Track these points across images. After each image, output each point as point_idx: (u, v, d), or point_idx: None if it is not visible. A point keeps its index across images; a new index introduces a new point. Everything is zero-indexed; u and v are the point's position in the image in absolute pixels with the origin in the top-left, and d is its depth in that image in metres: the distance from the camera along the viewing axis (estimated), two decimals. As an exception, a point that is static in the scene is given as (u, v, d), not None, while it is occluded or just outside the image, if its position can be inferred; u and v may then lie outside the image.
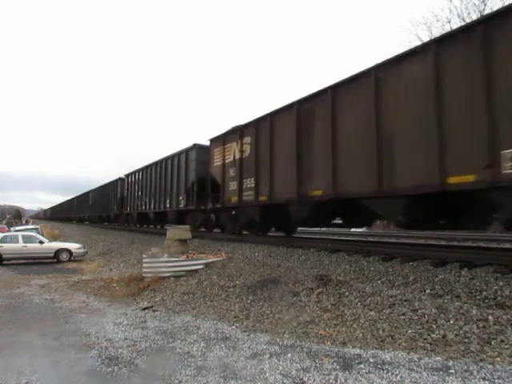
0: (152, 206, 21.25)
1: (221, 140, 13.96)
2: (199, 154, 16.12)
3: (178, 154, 18.17)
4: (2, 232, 22.69)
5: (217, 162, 14.21)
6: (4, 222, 66.00)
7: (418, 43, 14.01)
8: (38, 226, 31.91)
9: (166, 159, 19.73)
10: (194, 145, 16.51)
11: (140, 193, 23.62)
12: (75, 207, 52.65)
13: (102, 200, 34.57)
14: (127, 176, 27.01)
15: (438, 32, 21.20)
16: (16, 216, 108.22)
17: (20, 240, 17.19)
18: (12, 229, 28.93)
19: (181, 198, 17.35)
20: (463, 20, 21.53)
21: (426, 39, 19.14)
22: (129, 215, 27.29)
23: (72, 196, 60.21)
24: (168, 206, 18.87)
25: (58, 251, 17.39)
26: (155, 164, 21.15)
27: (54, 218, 75.35)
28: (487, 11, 20.84)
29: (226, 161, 13.42)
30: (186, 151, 17.27)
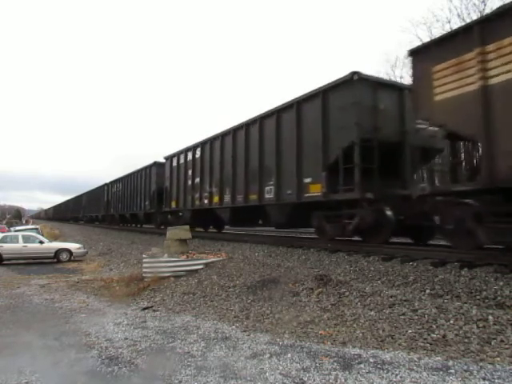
0: (227, 199, 13.59)
1: None
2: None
3: (324, 92, 9.47)
4: (2, 232, 22.69)
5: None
6: (4, 221, 65.96)
7: (419, 43, 14.03)
8: (38, 226, 31.90)
9: (277, 111, 11.11)
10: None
11: (198, 179, 15.92)
12: (84, 205, 44.58)
13: (124, 195, 27.39)
14: (169, 158, 19.03)
15: (438, 32, 21.23)
16: (16, 216, 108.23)
17: (20, 240, 17.18)
18: (12, 229, 28.91)
19: (324, 173, 9.29)
20: (463, 20, 21.53)
21: (426, 39, 19.17)
22: (171, 214, 19.70)
23: (72, 195, 57.68)
24: (289, 192, 10.46)
25: (58, 251, 17.37)
26: (242, 128, 12.92)
27: (57, 219, 70.60)
28: (487, 11, 20.86)
29: None
30: (345, 84, 8.98)
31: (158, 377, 4.21)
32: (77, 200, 51.63)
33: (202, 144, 15.71)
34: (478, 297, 5.36)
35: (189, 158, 16.90)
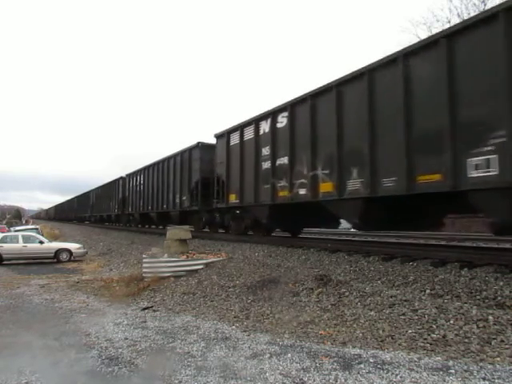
0: (357, 186, 8.23)
1: None
2: None
3: None
4: (2, 232, 22.70)
5: None
6: (4, 221, 65.99)
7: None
8: (37, 226, 31.92)
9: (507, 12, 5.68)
10: None
11: (284, 159, 10.46)
12: (92, 204, 38.69)
13: (149, 189, 21.44)
14: (225, 135, 13.44)
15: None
16: (16, 216, 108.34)
17: (20, 240, 17.20)
18: (12, 229, 28.93)
19: None
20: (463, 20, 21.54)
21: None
22: (226, 212, 14.23)
23: (72, 195, 56.55)
24: None
25: (58, 251, 17.39)
26: (392, 63, 7.47)
27: (60, 219, 66.01)
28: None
29: None
30: None
31: (158, 377, 4.21)
32: (83, 198, 44.80)
33: (293, 105, 10.16)
34: (478, 297, 5.35)
35: (263, 131, 11.37)
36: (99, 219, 37.48)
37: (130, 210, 25.76)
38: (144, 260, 10.55)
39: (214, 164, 14.57)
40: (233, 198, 12.91)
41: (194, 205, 15.78)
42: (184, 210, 17.07)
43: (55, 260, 17.16)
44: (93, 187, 39.72)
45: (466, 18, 21.47)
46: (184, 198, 16.78)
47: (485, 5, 21.15)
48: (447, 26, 21.98)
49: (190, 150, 16.51)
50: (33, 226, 31.74)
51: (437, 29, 23.23)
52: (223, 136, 13.64)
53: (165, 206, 19.20)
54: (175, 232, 11.32)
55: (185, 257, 10.18)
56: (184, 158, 17.18)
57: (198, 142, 15.93)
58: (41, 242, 17.51)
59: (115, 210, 29.31)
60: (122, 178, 27.73)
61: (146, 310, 7.45)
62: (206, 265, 9.77)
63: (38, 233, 22.84)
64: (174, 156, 18.25)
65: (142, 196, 23.03)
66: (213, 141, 14.86)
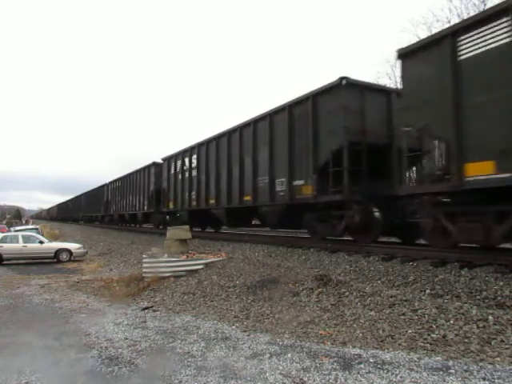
0: None
1: None
2: None
3: None
4: (2, 232, 22.70)
5: None
6: (4, 221, 65.98)
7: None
8: (37, 226, 31.90)
9: None
10: None
11: None
12: (107, 200, 31.54)
13: (212, 174, 14.56)
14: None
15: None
16: (16, 216, 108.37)
17: (20, 240, 17.18)
18: (12, 229, 28.92)
19: None
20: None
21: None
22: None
23: (72, 195, 55.19)
24: None
25: (58, 251, 17.37)
26: None
27: (64, 219, 60.55)
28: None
29: None
30: None
31: (158, 377, 4.21)
32: (93, 195, 37.27)
33: None
34: (478, 297, 5.35)
35: None
36: (118, 219, 29.42)
37: (170, 206, 18.55)
38: (144, 260, 10.54)
39: (366, 116, 8.96)
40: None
41: (332, 193, 9.00)
42: (302, 203, 10.07)
43: (55, 260, 17.14)
44: (93, 187, 37.93)
45: (465, 17, 21.49)
46: (300, 182, 10.01)
47: (485, 5, 21.15)
48: (447, 26, 21.98)
49: (314, 96, 9.62)
50: (33, 226, 31.72)
51: (436, 29, 23.22)
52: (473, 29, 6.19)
53: (248, 199, 12.04)
54: (175, 232, 11.32)
55: (185, 257, 10.18)
56: (298, 113, 10.13)
57: (342, 78, 8.85)
58: (41, 242, 17.49)
59: (144, 208, 22.20)
60: (154, 164, 20.67)
61: (146, 310, 7.45)
62: (206, 265, 9.77)
63: (38, 233, 22.82)
64: (270, 114, 11.10)
65: (194, 186, 16.10)
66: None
